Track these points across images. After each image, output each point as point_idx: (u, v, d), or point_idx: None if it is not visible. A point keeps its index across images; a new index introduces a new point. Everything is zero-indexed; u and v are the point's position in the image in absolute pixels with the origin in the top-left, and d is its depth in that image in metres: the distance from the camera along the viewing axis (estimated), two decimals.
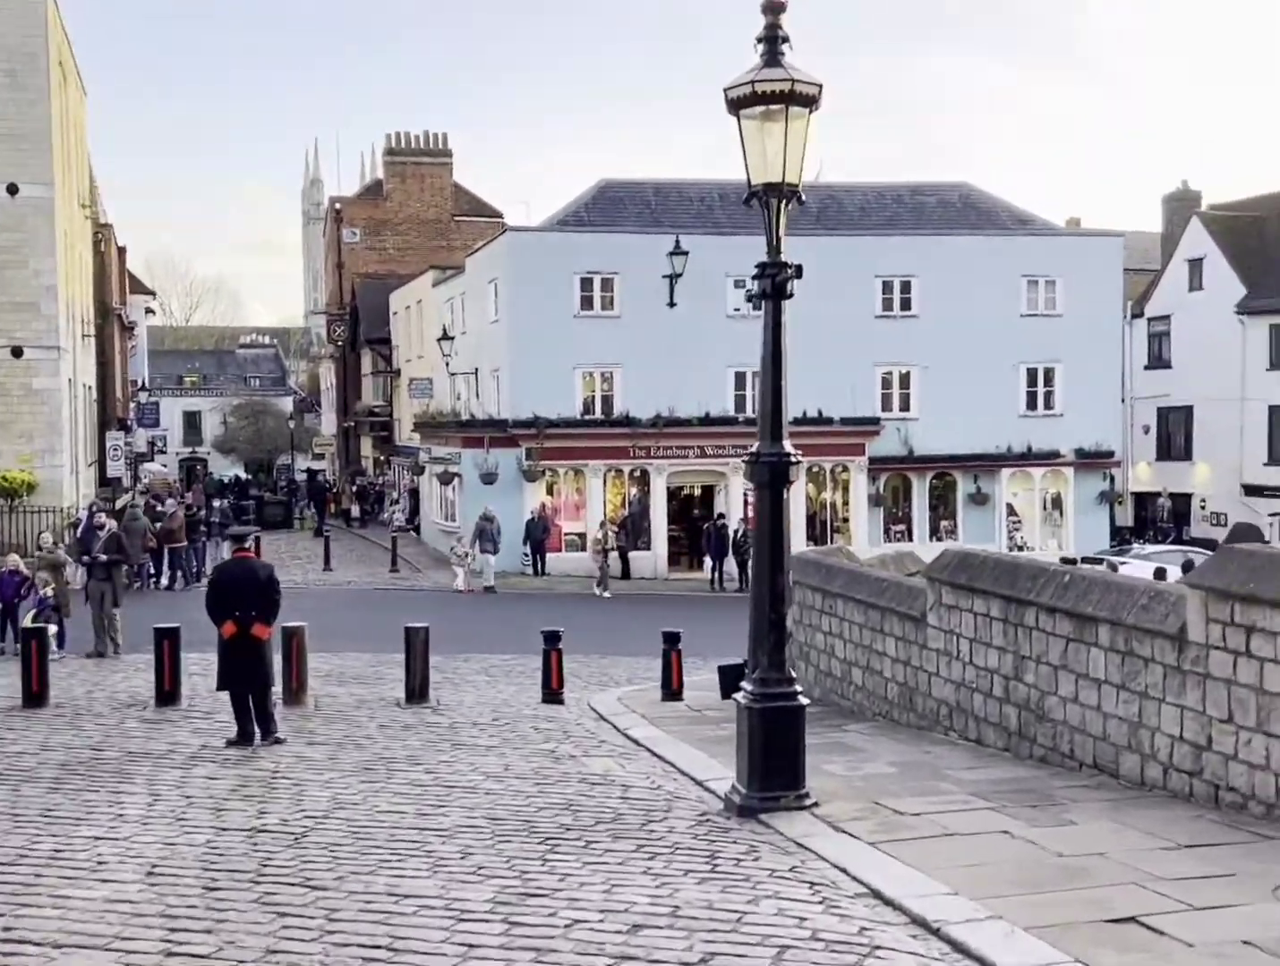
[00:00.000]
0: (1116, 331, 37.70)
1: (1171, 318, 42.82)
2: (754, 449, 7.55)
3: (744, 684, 7.67)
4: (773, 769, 7.43)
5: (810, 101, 7.57)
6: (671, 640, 13.83)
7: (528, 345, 33.27)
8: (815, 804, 7.42)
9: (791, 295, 7.60)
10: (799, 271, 7.34)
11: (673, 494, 35.58)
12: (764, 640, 7.47)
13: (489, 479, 33.01)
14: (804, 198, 7.66)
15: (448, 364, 36.88)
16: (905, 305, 35.67)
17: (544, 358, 33.03)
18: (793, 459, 7.47)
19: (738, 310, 34.10)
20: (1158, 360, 43.55)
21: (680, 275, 33.21)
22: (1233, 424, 39.61)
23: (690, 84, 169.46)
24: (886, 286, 35.56)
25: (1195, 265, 41.65)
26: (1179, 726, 7.44)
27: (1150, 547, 32.63)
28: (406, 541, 37.90)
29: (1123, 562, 26.28)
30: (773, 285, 7.54)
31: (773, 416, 7.53)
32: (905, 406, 35.70)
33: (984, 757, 9.23)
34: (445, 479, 35.92)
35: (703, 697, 13.08)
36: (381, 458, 54.36)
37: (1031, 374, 36.56)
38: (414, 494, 43.65)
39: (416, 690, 13.18)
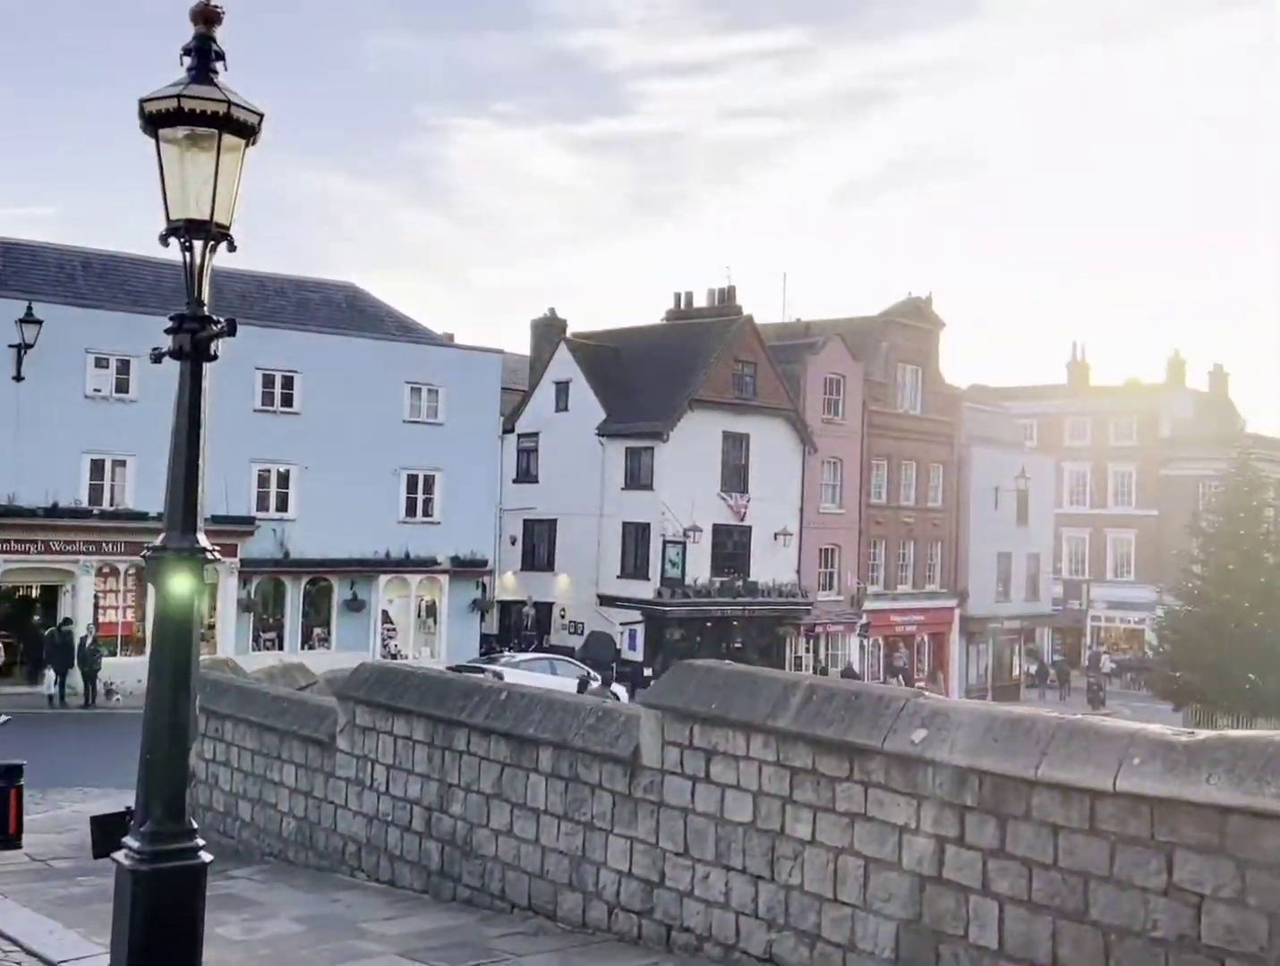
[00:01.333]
0: (494, 444, 38.91)
1: (540, 435, 45.08)
2: (160, 541, 6.04)
3: (129, 839, 6.00)
4: (163, 947, 5.83)
5: (249, 132, 6.33)
6: (10, 774, 11.32)
7: None
8: None
9: (216, 356, 6.24)
10: (231, 327, 6.02)
11: (6, 594, 31.22)
12: (160, 782, 5.90)
13: None
14: (235, 244, 6.38)
15: None
16: (287, 401, 34.35)
17: None
18: (209, 555, 6.06)
19: (98, 390, 30.98)
20: (526, 474, 45.54)
21: (31, 345, 29.58)
22: (591, 538, 42.16)
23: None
24: (267, 380, 34.07)
25: (562, 387, 44.27)
26: (628, 861, 6.85)
27: (520, 655, 33.46)
28: None
29: (503, 670, 26.54)
30: (192, 341, 6.13)
31: (185, 502, 6.06)
32: (283, 506, 34.18)
33: (402, 903, 8.14)
34: None
35: (48, 843, 10.80)
36: None
37: (412, 480, 36.59)
38: None
39: None
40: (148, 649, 6.31)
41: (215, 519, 32.08)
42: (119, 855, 6.06)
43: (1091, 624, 66.01)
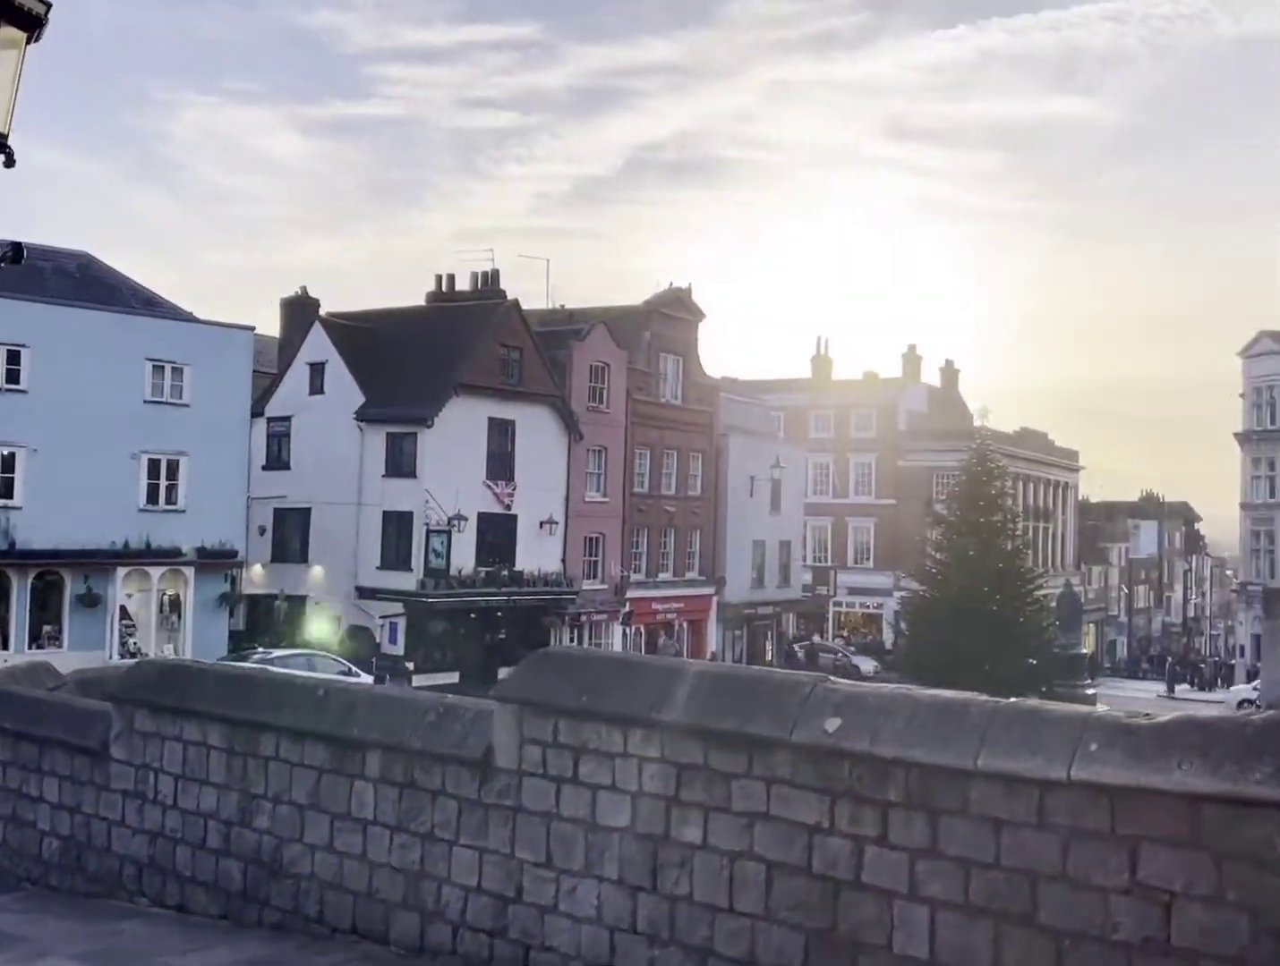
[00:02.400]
0: (244, 427, 36.82)
1: (293, 419, 43.03)
2: None
3: None
4: None
5: (34, 25, 5.29)
6: None
7: None
8: None
9: None
10: (17, 254, 4.98)
11: None
12: None
13: None
14: (13, 154, 5.31)
15: None
16: (13, 377, 31.52)
17: None
18: None
19: None
20: (277, 461, 43.39)
21: None
22: (349, 528, 40.53)
23: None
24: None
25: (317, 369, 42.37)
26: (477, 874, 6.10)
27: (275, 652, 31.74)
28: None
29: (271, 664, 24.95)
30: None
31: None
32: (7, 492, 31.34)
33: (199, 931, 7.12)
34: None
35: None
36: None
37: (154, 465, 34.21)
38: None
39: None
40: None
41: None
42: None
43: (834, 609, 68.33)
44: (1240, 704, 40.68)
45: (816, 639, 59.29)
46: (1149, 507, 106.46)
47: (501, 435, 41.04)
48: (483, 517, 40.40)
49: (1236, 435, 62.80)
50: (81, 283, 35.03)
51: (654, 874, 5.44)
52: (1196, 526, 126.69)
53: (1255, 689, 44.22)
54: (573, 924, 5.71)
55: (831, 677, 5.49)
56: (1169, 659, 71.41)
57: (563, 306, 47.34)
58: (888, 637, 63.06)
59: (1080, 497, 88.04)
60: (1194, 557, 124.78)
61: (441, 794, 6.27)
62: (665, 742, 5.43)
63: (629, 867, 5.54)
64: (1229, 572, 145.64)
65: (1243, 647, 63.19)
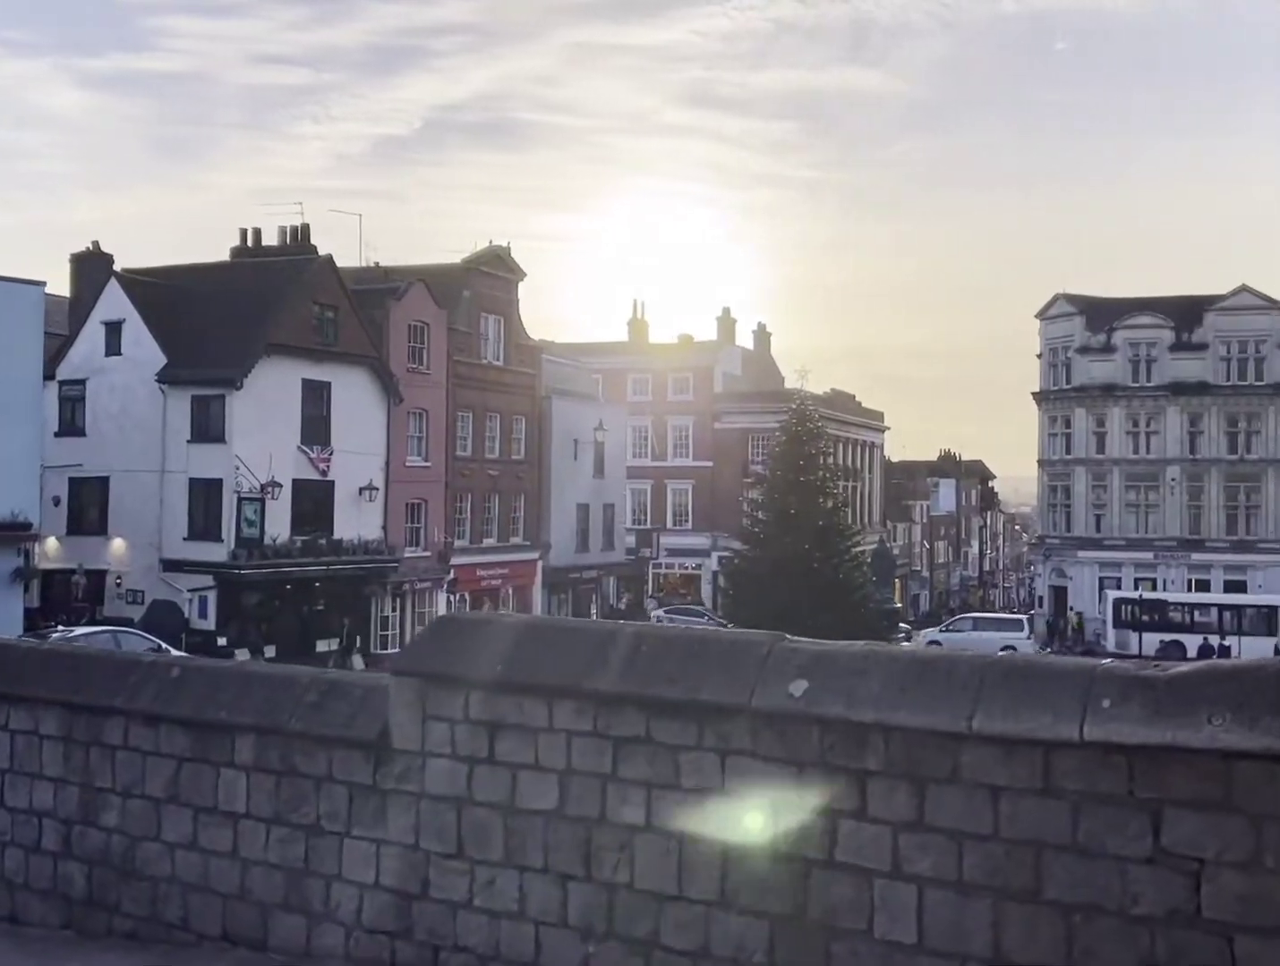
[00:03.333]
0: (36, 390, 34.34)
1: (87, 383, 40.41)
2: None
3: None
4: None
5: None
6: None
7: None
8: None
9: None
10: None
11: None
12: None
13: None
14: None
15: None
16: None
17: None
18: None
19: None
20: (71, 427, 40.71)
21: None
22: (152, 497, 38.37)
23: None
24: None
25: (114, 328, 39.85)
26: (374, 870, 5.41)
27: (76, 629, 29.76)
28: None
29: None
30: None
31: None
32: None
33: (39, 945, 6.24)
34: None
35: None
36: None
37: None
38: None
39: None
40: None
41: None
42: None
43: (653, 571, 68.61)
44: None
45: (651, 602, 59.42)
46: (947, 467, 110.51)
47: (317, 398, 39.43)
48: (298, 484, 38.79)
49: (1034, 395, 65.37)
50: None
51: (586, 860, 4.87)
52: (991, 484, 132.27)
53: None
54: (489, 920, 5.09)
55: (788, 635, 5.01)
56: (970, 611, 74.31)
57: (377, 264, 45.77)
58: (707, 597, 63.65)
59: (884, 457, 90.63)
60: (989, 514, 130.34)
61: (328, 780, 5.55)
62: (599, 714, 4.85)
63: (556, 854, 4.95)
64: (1017, 527, 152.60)
65: (1041, 598, 66.09)
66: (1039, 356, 65.23)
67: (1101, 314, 61.94)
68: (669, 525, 68.60)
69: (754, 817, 4.47)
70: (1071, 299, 63.21)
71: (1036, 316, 65.18)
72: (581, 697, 4.88)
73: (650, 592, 65.88)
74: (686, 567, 68.91)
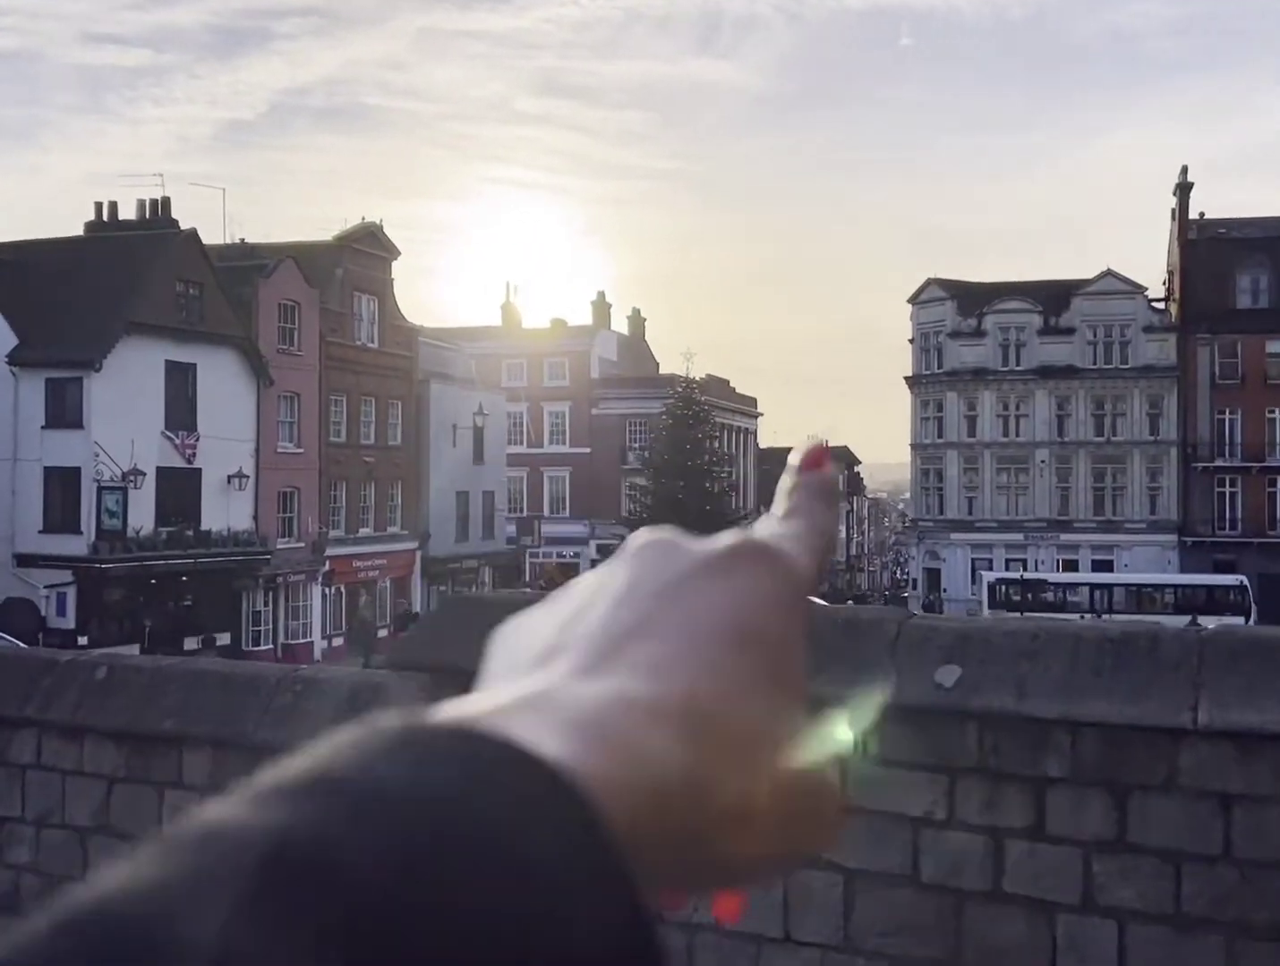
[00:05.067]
0: None
1: None
2: None
3: None
4: None
5: None
6: None
7: None
8: None
9: None
10: None
11: None
12: None
13: None
14: None
15: None
16: None
17: None
18: None
19: None
20: None
21: None
22: (4, 487, 35.85)
23: None
24: None
25: None
26: None
27: None
28: None
29: None
30: None
31: None
32: None
33: None
34: None
35: None
36: None
37: None
38: None
39: None
40: None
41: None
42: None
43: (530, 560, 67.42)
44: None
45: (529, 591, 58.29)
46: None
47: (181, 380, 37.30)
48: (162, 472, 36.66)
49: (906, 379, 66.00)
50: None
51: None
52: (857, 470, 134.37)
53: None
54: None
55: (916, 612, 4.15)
56: (839, 597, 74.91)
57: (243, 240, 43.59)
58: None
59: (757, 444, 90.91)
60: (854, 499, 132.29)
61: None
62: None
63: None
64: (884, 513, 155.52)
65: (915, 580, 66.83)
66: (910, 341, 65.87)
67: (972, 299, 62.74)
68: (546, 513, 67.49)
69: (885, 839, 3.60)
70: (943, 284, 63.91)
71: (909, 301, 65.75)
72: None
73: (527, 581, 64.74)
74: (565, 556, 67.81)
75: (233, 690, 4.76)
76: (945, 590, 61.33)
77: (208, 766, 4.70)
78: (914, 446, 65.59)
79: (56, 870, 5.02)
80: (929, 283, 64.77)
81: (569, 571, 68.10)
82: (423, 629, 4.76)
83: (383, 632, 42.48)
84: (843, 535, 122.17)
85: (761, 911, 3.73)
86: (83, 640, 32.78)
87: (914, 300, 65.57)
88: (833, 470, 0.53)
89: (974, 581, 58.50)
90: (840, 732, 0.38)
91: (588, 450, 66.81)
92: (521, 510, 67.04)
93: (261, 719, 4.60)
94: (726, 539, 0.45)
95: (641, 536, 0.46)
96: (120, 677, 4.99)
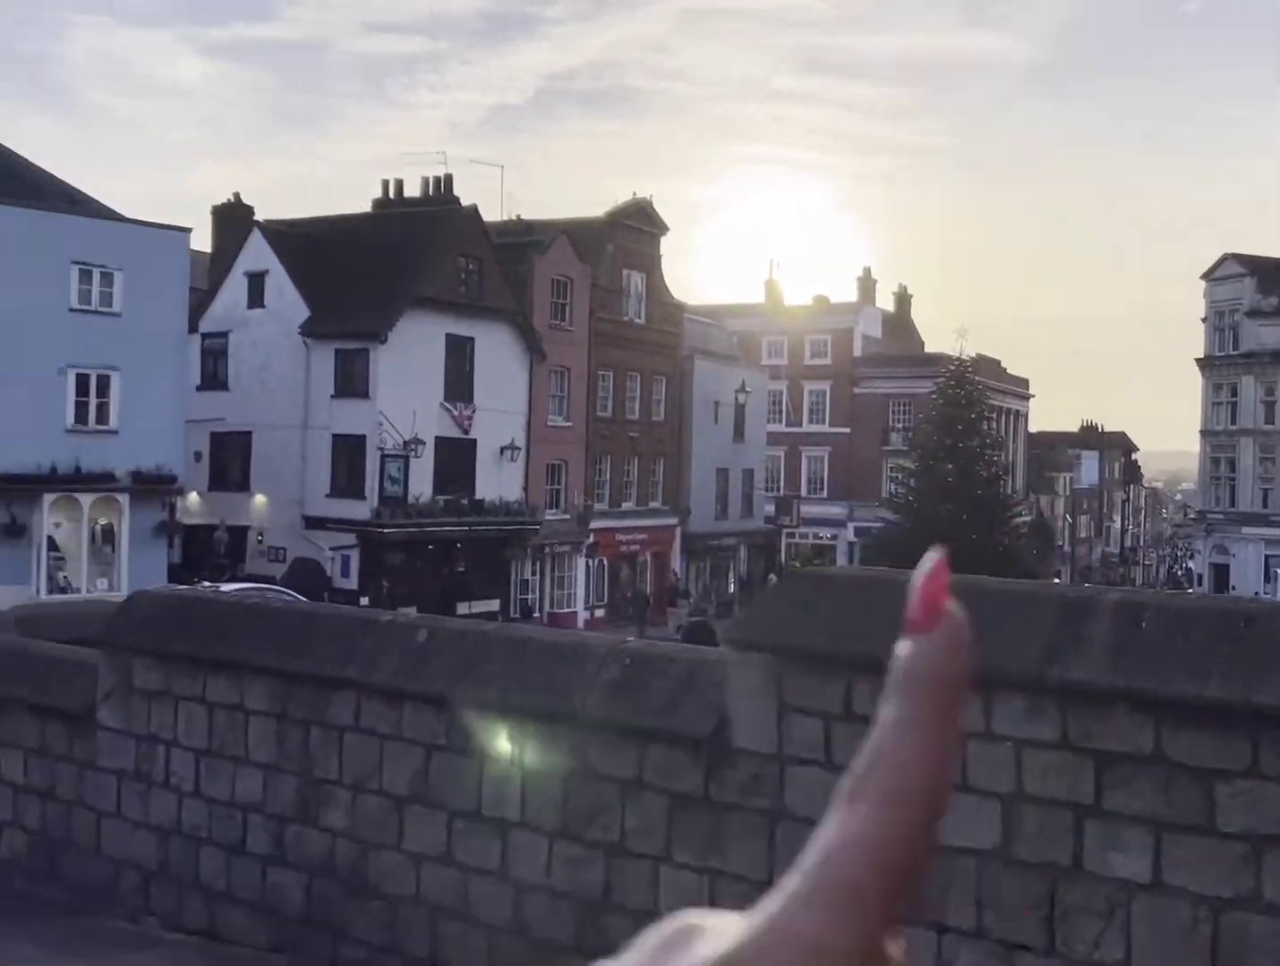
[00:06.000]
0: (181, 339, 33.99)
1: (230, 335, 40.02)
2: None
3: None
4: None
5: None
6: None
7: None
8: None
9: None
10: None
11: None
12: None
13: None
14: None
15: None
16: None
17: None
18: None
19: None
20: (213, 380, 40.40)
21: None
22: (295, 453, 37.86)
23: None
24: None
25: (256, 280, 39.34)
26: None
27: (226, 587, 29.17)
28: None
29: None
30: None
31: None
32: None
33: None
34: None
35: None
36: None
37: (83, 381, 31.35)
38: None
39: None
40: None
41: None
42: None
43: (786, 540, 66.75)
44: None
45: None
46: (1089, 438, 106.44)
47: (460, 354, 38.45)
48: (440, 442, 37.93)
49: (1198, 361, 61.92)
50: None
51: (1049, 924, 3.40)
52: (1134, 457, 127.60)
53: None
54: None
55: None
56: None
57: (519, 217, 44.56)
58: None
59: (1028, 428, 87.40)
60: (1131, 488, 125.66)
61: (637, 786, 4.18)
62: (1069, 714, 3.38)
63: (990, 910, 3.50)
64: (1161, 503, 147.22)
65: (1200, 576, 62.77)
66: (1203, 320, 61.65)
67: (1273, 275, 58.16)
68: (804, 493, 66.65)
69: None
70: (1241, 259, 59.48)
71: (1202, 277, 61.56)
72: (1040, 692, 3.42)
73: (781, 563, 64.19)
74: (821, 537, 66.87)
75: (556, 660, 4.49)
76: (1234, 588, 57.25)
77: (533, 743, 4.44)
78: (1204, 433, 61.49)
79: (370, 838, 4.90)
80: (1225, 257, 60.43)
81: (825, 553, 67.19)
82: (766, 606, 4.36)
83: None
84: (1117, 526, 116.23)
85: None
86: (364, 601, 34.24)
87: (1208, 276, 61.34)
88: (957, 624, 0.38)
89: (1267, 579, 54.49)
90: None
91: (848, 430, 65.58)
92: (779, 489, 66.49)
93: (589, 694, 4.31)
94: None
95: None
96: (441, 642, 4.79)
